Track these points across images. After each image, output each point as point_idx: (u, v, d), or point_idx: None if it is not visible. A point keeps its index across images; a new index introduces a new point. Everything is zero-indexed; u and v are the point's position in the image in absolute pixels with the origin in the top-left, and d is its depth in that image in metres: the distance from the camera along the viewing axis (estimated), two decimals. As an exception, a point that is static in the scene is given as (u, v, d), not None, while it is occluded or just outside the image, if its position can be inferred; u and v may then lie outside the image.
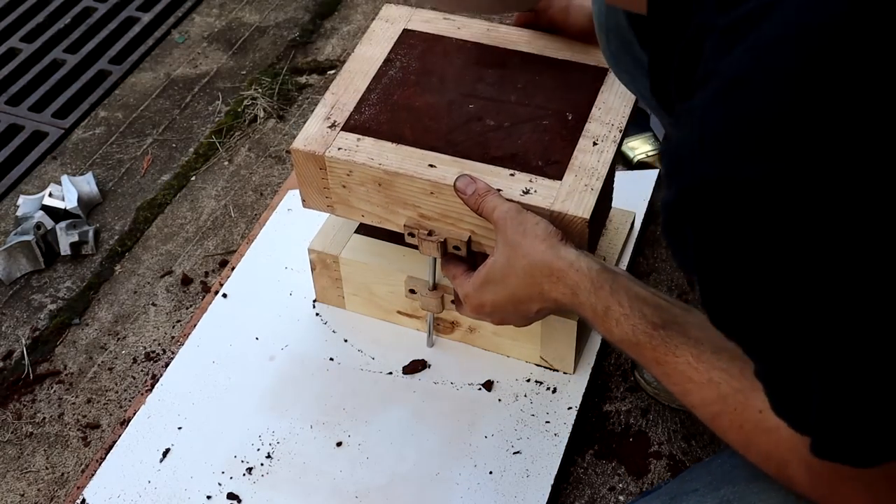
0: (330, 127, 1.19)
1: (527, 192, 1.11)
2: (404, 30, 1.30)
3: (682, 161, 0.60)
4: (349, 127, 1.19)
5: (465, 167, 1.13)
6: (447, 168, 1.13)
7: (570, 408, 1.25)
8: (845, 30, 0.55)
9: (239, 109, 1.79)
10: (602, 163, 1.14)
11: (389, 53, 1.27)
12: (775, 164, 0.55)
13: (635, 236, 1.44)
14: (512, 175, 1.13)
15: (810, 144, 0.55)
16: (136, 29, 1.99)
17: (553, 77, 1.23)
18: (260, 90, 1.82)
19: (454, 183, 1.10)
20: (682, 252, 0.64)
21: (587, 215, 1.08)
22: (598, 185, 1.11)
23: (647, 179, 1.52)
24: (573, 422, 1.23)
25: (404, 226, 1.18)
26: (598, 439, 1.25)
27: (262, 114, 1.78)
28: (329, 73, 1.87)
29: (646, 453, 1.24)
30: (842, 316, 0.58)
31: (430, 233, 1.16)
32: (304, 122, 1.21)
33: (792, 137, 0.55)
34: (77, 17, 2.02)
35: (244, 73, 1.89)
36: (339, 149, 1.17)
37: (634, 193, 1.47)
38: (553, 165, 1.13)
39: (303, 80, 1.86)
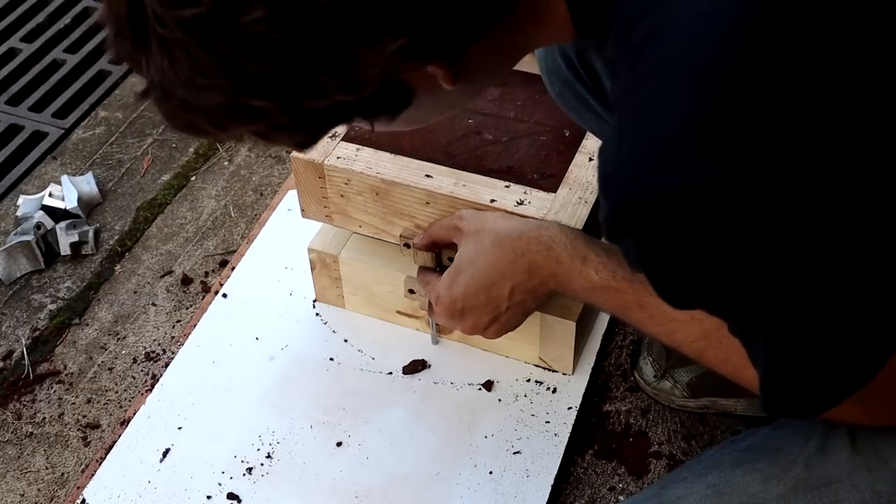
0: (330, 137, 1.21)
1: (521, 202, 1.13)
2: None
3: (608, 180, 0.66)
4: (349, 137, 1.22)
5: (462, 178, 1.15)
6: (443, 178, 1.15)
7: (570, 408, 1.25)
8: (726, 50, 0.60)
9: (239, 109, 1.79)
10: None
11: None
12: (689, 171, 0.60)
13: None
14: (507, 187, 1.15)
15: (712, 152, 0.60)
16: (137, 29, 1.99)
17: None
18: (260, 90, 1.82)
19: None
20: (627, 255, 0.71)
21: (580, 226, 1.10)
22: (593, 198, 1.13)
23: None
24: (573, 422, 1.23)
25: (400, 236, 1.19)
26: (598, 439, 1.25)
27: (262, 114, 1.78)
28: (329, 73, 1.87)
29: (646, 453, 1.24)
30: (774, 279, 0.64)
31: None
32: (304, 122, 1.22)
33: (693, 148, 0.61)
34: (77, 17, 2.02)
35: (244, 73, 1.88)
36: (337, 157, 1.19)
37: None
38: (549, 179, 1.15)
39: (303, 80, 1.86)
